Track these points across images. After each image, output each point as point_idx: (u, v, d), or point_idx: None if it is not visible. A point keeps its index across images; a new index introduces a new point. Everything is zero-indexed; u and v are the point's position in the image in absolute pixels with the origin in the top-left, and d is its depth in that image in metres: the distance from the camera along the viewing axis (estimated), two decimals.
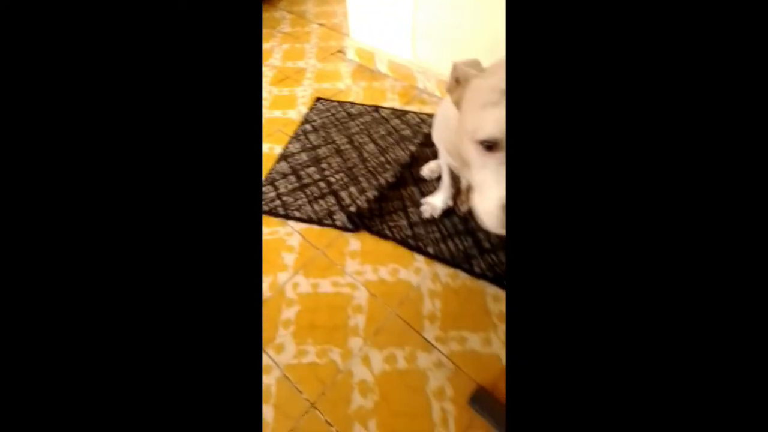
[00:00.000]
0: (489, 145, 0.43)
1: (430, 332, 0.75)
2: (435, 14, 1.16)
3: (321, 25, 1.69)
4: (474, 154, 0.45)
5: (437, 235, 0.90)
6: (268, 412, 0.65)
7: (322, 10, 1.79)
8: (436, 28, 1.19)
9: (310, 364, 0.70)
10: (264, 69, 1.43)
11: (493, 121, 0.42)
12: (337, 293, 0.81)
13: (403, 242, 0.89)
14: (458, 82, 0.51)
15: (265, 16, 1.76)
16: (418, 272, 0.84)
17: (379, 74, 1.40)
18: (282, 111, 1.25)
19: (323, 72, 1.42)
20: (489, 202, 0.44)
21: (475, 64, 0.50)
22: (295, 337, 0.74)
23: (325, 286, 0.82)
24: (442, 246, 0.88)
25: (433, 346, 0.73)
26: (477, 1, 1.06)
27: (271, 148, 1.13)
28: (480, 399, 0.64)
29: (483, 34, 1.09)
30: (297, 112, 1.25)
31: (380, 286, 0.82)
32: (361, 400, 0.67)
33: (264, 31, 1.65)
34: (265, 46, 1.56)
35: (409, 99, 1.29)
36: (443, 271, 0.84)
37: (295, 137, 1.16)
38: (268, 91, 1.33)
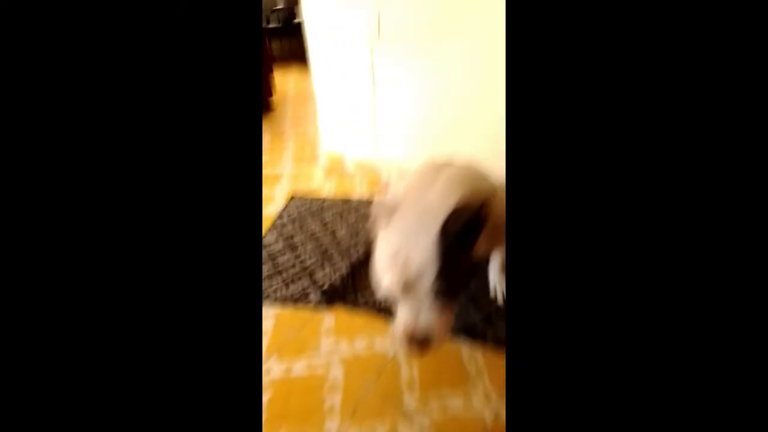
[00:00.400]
0: (389, 295, 0.53)
1: (410, 401, 0.72)
2: (390, 120, 1.44)
3: (297, 140, 1.99)
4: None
5: None
6: None
7: (297, 130, 2.13)
8: (392, 130, 1.45)
9: None
10: None
11: (386, 286, 0.53)
12: (312, 375, 0.79)
13: (377, 310, 0.91)
14: (375, 222, 0.60)
15: None
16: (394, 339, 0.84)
17: (348, 173, 1.61)
18: (263, 207, 1.38)
19: (298, 175, 1.62)
20: (396, 328, 0.55)
21: (390, 209, 0.57)
22: (267, 427, 0.69)
23: (299, 368, 0.80)
24: None
25: (412, 417, 0.69)
26: (424, 103, 1.34)
27: None
28: None
29: (430, 127, 1.34)
30: (275, 208, 1.37)
31: (356, 361, 0.81)
32: None
33: None
34: None
35: (376, 189, 1.47)
36: None
37: (272, 228, 1.25)
38: None
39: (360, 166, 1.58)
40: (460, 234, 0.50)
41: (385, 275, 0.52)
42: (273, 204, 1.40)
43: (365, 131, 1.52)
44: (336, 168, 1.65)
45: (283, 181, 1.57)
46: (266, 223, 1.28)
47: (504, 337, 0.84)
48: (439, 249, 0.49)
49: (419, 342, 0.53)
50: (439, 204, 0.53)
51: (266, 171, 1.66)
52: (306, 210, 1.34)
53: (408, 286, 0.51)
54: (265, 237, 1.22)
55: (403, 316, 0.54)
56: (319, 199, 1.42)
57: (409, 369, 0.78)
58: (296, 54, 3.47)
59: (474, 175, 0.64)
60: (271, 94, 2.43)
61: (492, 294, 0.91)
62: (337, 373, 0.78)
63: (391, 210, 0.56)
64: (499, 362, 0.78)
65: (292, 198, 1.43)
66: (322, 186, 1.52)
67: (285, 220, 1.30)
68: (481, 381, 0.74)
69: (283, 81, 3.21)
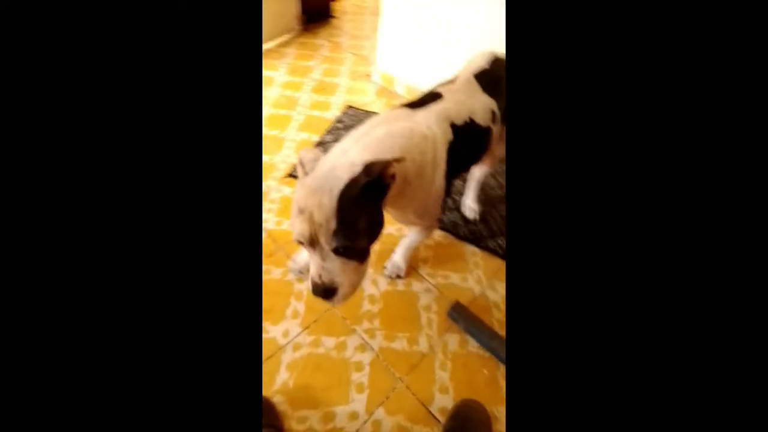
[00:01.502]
0: (300, 242, 0.55)
1: (423, 270, 1.00)
2: (450, 53, 1.52)
3: (353, 54, 2.07)
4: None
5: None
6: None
7: (355, 43, 2.19)
8: (447, 63, 1.55)
9: None
10: (306, 80, 1.77)
11: (295, 230, 0.54)
12: None
13: None
14: (298, 169, 0.61)
15: (308, 42, 2.14)
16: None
17: (398, 95, 1.74)
18: (320, 112, 1.57)
19: (353, 88, 1.76)
20: (309, 277, 0.58)
21: (309, 160, 0.59)
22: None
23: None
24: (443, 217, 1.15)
25: (424, 278, 0.98)
26: (481, 43, 1.42)
27: (309, 137, 1.42)
28: (456, 309, 0.88)
29: None
30: (331, 114, 1.56)
31: (388, 237, 1.08)
32: (369, 306, 0.90)
33: (307, 53, 2.02)
34: (308, 63, 1.91)
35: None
36: (438, 233, 1.10)
37: (329, 131, 1.46)
38: (309, 96, 1.65)
39: (410, 91, 1.70)
40: (359, 198, 0.52)
41: (294, 223, 0.54)
42: (330, 110, 1.58)
43: (422, 58, 1.61)
44: (387, 89, 1.78)
45: (339, 91, 1.73)
46: (325, 125, 1.49)
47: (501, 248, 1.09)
48: (338, 210, 0.51)
49: (324, 291, 0.56)
50: (346, 166, 0.54)
51: (325, 79, 1.80)
52: (359, 121, 1.53)
53: (312, 239, 0.53)
54: (323, 137, 1.43)
55: (311, 267, 0.57)
56: (371, 112, 1.58)
57: (425, 250, 1.05)
58: None
59: (392, 139, 0.63)
60: None
61: (387, 273, 0.97)
62: None
63: (313, 161, 0.58)
64: (494, 261, 1.04)
65: (348, 107, 1.60)
66: (373, 103, 1.67)
67: (340, 125, 1.49)
68: (477, 269, 1.01)
69: None
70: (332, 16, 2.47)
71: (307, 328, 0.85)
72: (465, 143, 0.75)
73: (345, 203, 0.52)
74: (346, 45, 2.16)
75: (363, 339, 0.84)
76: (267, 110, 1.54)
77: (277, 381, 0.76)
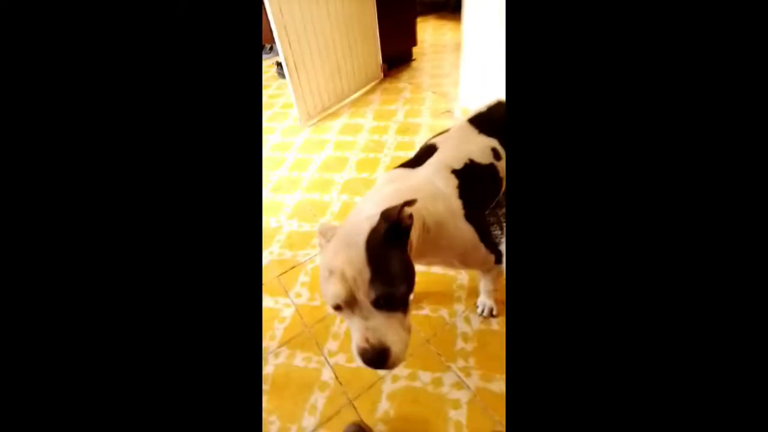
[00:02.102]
0: (336, 308, 0.54)
1: None
2: None
3: (434, 92, 2.19)
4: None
5: None
6: None
7: (435, 82, 2.32)
8: None
9: None
10: (391, 123, 1.94)
11: (329, 295, 0.53)
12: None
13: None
14: (319, 244, 0.63)
15: (391, 87, 2.35)
16: None
17: None
18: (404, 152, 1.69)
19: (434, 126, 1.86)
20: (352, 347, 0.54)
21: (326, 231, 0.61)
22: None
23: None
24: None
25: None
26: None
27: None
28: None
29: None
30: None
31: None
32: (463, 344, 0.91)
33: (390, 97, 2.21)
34: (392, 107, 2.09)
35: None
36: None
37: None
38: (394, 138, 1.80)
39: None
40: (384, 243, 0.53)
41: (326, 289, 0.54)
42: (414, 149, 1.69)
43: (503, 92, 1.63)
44: None
45: (422, 130, 1.84)
46: None
47: None
48: (368, 258, 0.51)
49: (375, 355, 0.52)
50: (363, 221, 0.57)
51: (408, 120, 1.94)
52: None
53: (348, 299, 0.52)
54: None
55: (354, 334, 0.54)
56: None
57: None
58: (435, 5, 3.48)
59: (400, 193, 0.65)
60: (415, 43, 2.61)
61: (479, 310, 0.97)
62: None
63: (332, 230, 0.61)
64: None
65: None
66: None
67: None
68: None
69: (421, 30, 3.32)
70: (412, 59, 2.67)
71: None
72: (472, 183, 0.77)
73: (373, 250, 0.52)
74: (427, 84, 2.31)
75: (459, 377, 0.85)
76: (357, 155, 1.72)
77: (379, 409, 0.82)
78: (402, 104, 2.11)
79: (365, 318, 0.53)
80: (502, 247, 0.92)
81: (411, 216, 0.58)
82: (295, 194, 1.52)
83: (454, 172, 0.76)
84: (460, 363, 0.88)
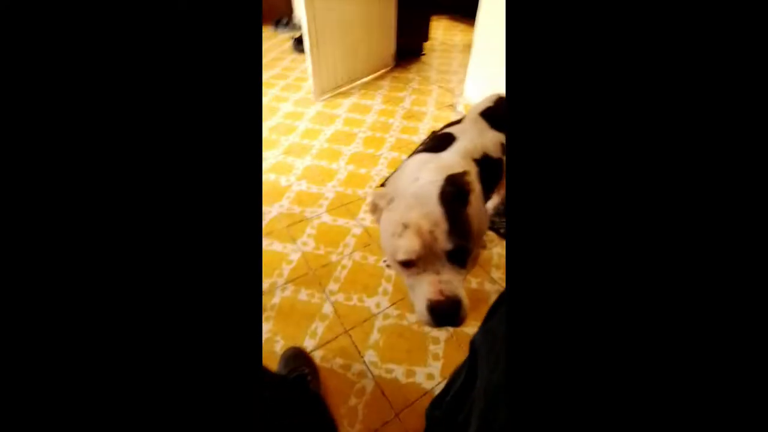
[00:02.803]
0: (406, 263, 0.55)
1: (495, 274, 1.14)
2: None
3: (440, 86, 2.34)
4: (398, 269, 0.59)
5: None
6: None
7: (442, 77, 2.46)
8: None
9: None
10: (398, 109, 2.07)
11: (404, 248, 0.54)
12: None
13: None
14: (376, 207, 0.65)
15: (401, 76, 2.47)
16: None
17: None
18: (409, 135, 1.83)
19: (438, 116, 2.00)
20: (418, 305, 0.55)
21: (384, 195, 0.63)
22: None
23: None
24: None
25: (495, 281, 1.11)
26: None
27: (399, 155, 1.68)
28: None
29: None
30: (418, 138, 1.81)
31: None
32: None
33: (399, 85, 2.34)
34: (400, 94, 2.22)
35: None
36: None
37: (415, 152, 1.70)
38: (400, 122, 1.94)
39: None
40: (455, 202, 0.57)
41: (398, 245, 0.54)
42: (418, 135, 1.83)
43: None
44: None
45: (426, 118, 1.98)
46: (412, 147, 1.74)
47: None
48: (446, 212, 0.54)
49: (449, 306, 0.53)
50: (428, 184, 0.60)
51: (414, 108, 2.08)
52: None
53: (423, 252, 0.53)
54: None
55: (424, 289, 0.54)
56: None
57: None
58: (448, 7, 3.61)
59: (445, 169, 0.68)
60: (426, 39, 2.74)
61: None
62: None
63: (388, 196, 0.62)
64: None
65: (433, 132, 1.84)
66: None
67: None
68: None
69: (433, 28, 3.44)
70: (423, 54, 2.80)
71: (394, 303, 1.04)
72: (486, 174, 0.83)
73: (447, 206, 0.56)
74: (434, 79, 2.44)
75: None
76: (365, 132, 1.85)
77: (370, 339, 0.96)
78: (410, 93, 2.24)
79: (437, 272, 0.55)
80: None
81: (471, 184, 0.62)
82: (305, 159, 1.63)
83: (475, 161, 0.81)
84: None
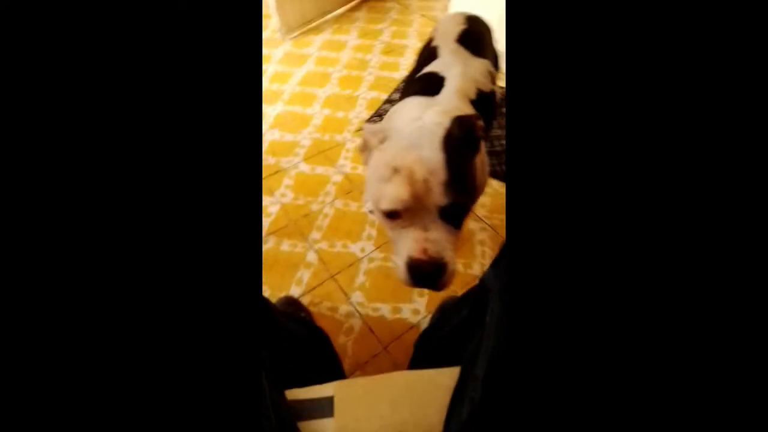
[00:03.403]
0: (391, 214, 0.47)
1: (481, 212, 1.12)
2: None
3: (422, 15, 2.12)
4: (381, 218, 0.50)
5: None
6: None
7: (424, 4, 2.22)
8: None
9: None
10: (376, 43, 1.89)
11: (390, 196, 0.45)
12: None
13: None
14: (366, 145, 0.54)
15: (378, 5, 2.22)
16: None
17: None
18: (389, 72, 1.69)
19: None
20: (398, 260, 0.49)
21: (378, 132, 0.52)
22: None
23: None
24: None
25: (480, 219, 1.10)
26: None
27: (379, 95, 1.57)
28: None
29: None
30: (399, 75, 1.67)
31: None
32: None
33: (377, 16, 2.11)
34: (378, 26, 2.02)
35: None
36: (497, 183, 1.20)
37: (397, 90, 1.58)
38: (379, 58, 1.78)
39: None
40: (461, 147, 0.47)
41: (384, 190, 0.46)
42: (399, 71, 1.69)
43: (494, 20, 1.62)
44: None
45: (407, 53, 1.82)
46: (394, 85, 1.61)
47: None
48: (446, 159, 0.45)
49: (432, 268, 0.46)
50: (432, 125, 0.49)
51: (394, 41, 1.90)
52: None
53: (411, 203, 0.45)
54: (391, 95, 1.56)
55: (406, 245, 0.47)
56: None
57: None
58: None
59: (451, 112, 0.57)
60: None
61: None
62: None
63: (383, 133, 0.52)
64: None
65: (409, 76, 1.70)
66: None
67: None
68: None
69: None
70: None
71: (379, 247, 1.03)
72: (482, 114, 0.73)
73: (450, 151, 0.46)
74: (415, 6, 2.21)
75: None
76: (340, 71, 1.70)
77: (356, 282, 0.96)
78: (388, 24, 2.04)
79: (425, 228, 0.47)
80: None
81: (483, 128, 0.52)
82: (276, 106, 1.51)
83: (471, 102, 0.70)
84: None
